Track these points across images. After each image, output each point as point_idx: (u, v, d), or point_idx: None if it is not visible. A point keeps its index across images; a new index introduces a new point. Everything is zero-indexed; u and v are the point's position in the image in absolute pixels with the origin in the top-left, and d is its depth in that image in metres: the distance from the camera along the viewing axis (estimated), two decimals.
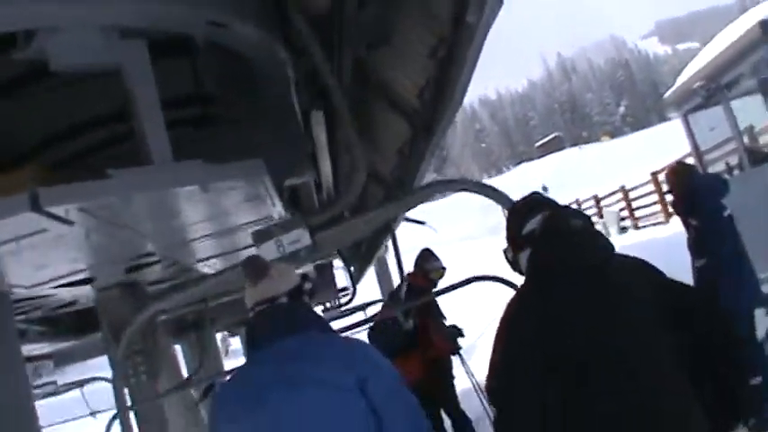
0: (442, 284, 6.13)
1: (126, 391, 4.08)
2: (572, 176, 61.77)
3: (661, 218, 19.01)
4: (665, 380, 2.11)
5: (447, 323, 6.74)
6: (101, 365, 5.84)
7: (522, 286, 2.42)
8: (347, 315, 9.15)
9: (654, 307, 2.21)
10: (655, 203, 19.81)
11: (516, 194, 2.76)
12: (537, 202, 2.51)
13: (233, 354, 20.35)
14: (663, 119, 52.87)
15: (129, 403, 4.07)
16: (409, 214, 7.82)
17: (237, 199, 3.19)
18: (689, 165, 7.53)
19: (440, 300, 6.34)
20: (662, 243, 14.41)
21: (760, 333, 5.71)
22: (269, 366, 2.32)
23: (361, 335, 5.29)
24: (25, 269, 3.19)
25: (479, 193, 3.32)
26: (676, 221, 15.93)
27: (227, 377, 2.62)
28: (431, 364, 6.40)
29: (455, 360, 6.84)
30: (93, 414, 8.75)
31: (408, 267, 6.50)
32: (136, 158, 2.65)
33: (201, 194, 2.75)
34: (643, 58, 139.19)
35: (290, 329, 2.35)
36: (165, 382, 4.49)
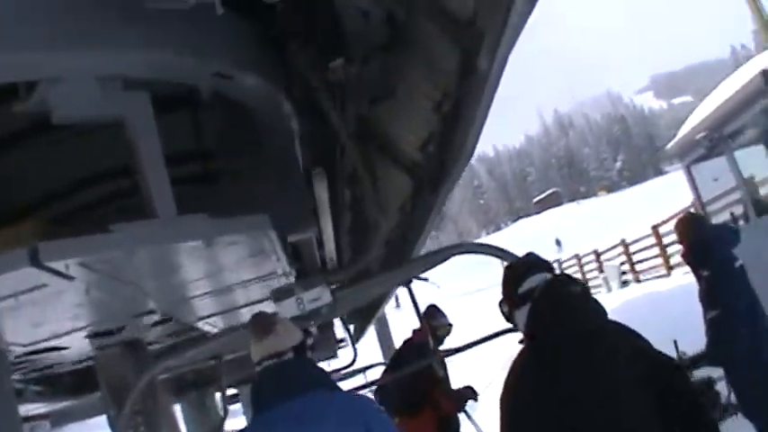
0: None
1: None
2: (571, 232, 62.09)
3: (662, 271, 18.97)
4: None
5: (460, 384, 6.60)
6: (99, 425, 5.71)
7: (522, 352, 2.55)
8: (348, 378, 9.24)
9: (636, 370, 2.35)
10: (656, 257, 19.79)
11: (517, 251, 2.93)
12: (533, 262, 2.69)
13: (231, 413, 20.03)
14: (659, 172, 53.20)
15: None
16: None
17: (242, 254, 3.14)
18: (698, 215, 7.47)
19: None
20: (665, 296, 14.34)
21: None
22: (278, 430, 2.33)
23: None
24: (23, 326, 3.12)
25: (498, 257, 3.34)
26: (678, 274, 15.97)
27: None
28: (440, 423, 6.28)
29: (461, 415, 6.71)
30: None
31: (412, 325, 6.43)
32: (141, 212, 2.62)
33: (205, 249, 2.72)
34: (639, 113, 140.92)
35: (299, 390, 2.38)
36: None
